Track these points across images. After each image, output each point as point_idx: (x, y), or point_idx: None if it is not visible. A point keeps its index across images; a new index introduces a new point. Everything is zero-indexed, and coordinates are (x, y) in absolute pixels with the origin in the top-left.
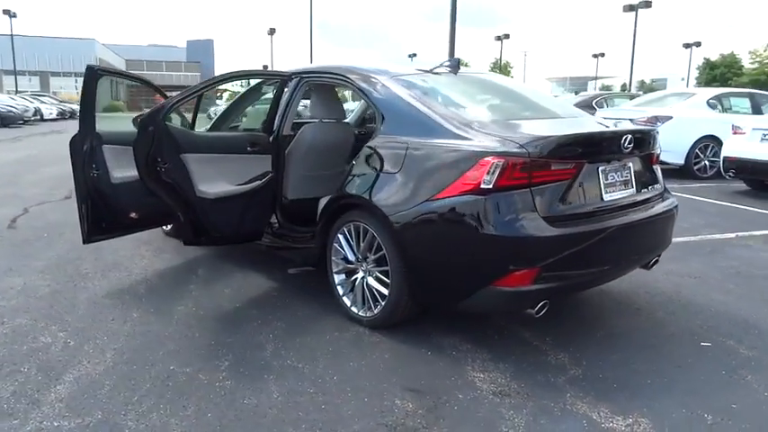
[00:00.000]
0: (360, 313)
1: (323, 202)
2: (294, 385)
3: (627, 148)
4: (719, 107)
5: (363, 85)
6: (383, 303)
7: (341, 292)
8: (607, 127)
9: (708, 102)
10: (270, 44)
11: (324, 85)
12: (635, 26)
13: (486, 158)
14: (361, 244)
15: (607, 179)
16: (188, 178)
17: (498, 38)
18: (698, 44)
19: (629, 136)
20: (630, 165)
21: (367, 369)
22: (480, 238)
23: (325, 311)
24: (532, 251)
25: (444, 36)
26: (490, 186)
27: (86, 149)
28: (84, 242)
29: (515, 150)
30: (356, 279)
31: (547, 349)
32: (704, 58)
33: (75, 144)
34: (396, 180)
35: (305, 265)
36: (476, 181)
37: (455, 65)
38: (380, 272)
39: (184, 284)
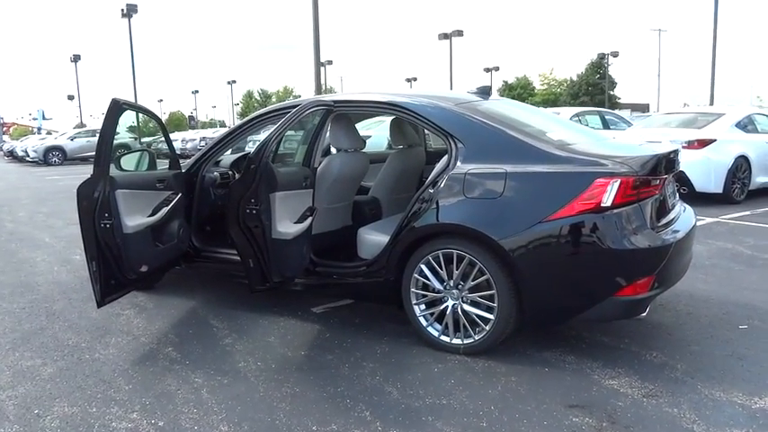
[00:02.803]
0: (453, 341)
1: (370, 233)
2: (462, 421)
3: (678, 163)
4: (580, 124)
5: (427, 114)
6: (487, 328)
7: (424, 323)
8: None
9: (570, 119)
10: (74, 71)
11: (344, 115)
12: (450, 52)
13: (600, 179)
14: (455, 271)
15: (668, 191)
16: (269, 219)
17: (322, 63)
18: (497, 68)
19: (678, 152)
20: (672, 178)
21: (512, 394)
22: (604, 252)
23: (400, 345)
24: (652, 260)
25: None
26: (609, 204)
27: (98, 196)
28: (98, 305)
29: (626, 170)
30: (445, 307)
31: (636, 350)
32: (503, 81)
33: (85, 190)
34: (498, 205)
35: (335, 301)
36: (595, 200)
37: (486, 92)
38: (481, 296)
39: (214, 339)
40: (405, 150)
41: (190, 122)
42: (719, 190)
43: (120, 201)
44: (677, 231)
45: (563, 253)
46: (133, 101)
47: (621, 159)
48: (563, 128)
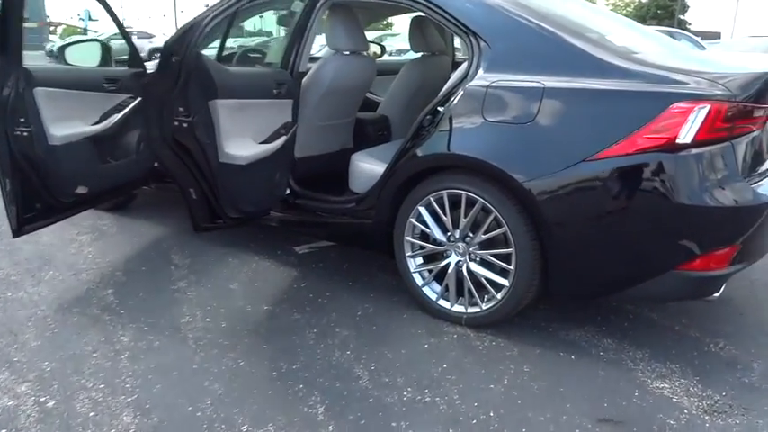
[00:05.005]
0: (455, 308)
1: (365, 160)
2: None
3: None
4: None
5: (440, 2)
6: (498, 295)
7: (420, 281)
8: None
9: None
10: None
11: (344, 7)
12: None
13: (679, 103)
14: (462, 219)
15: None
16: (213, 136)
17: None
18: None
19: None
20: None
21: (520, 394)
22: (672, 208)
23: (389, 306)
24: (740, 223)
25: None
26: (688, 141)
27: (8, 95)
28: (14, 234)
29: (720, 93)
30: (447, 264)
31: (697, 336)
32: None
33: None
34: (528, 134)
35: (322, 241)
36: (668, 134)
37: None
38: (495, 255)
39: (166, 281)
40: (426, 59)
41: None
42: None
43: (40, 102)
44: None
45: (613, 206)
46: None
47: (712, 77)
48: (631, 30)
